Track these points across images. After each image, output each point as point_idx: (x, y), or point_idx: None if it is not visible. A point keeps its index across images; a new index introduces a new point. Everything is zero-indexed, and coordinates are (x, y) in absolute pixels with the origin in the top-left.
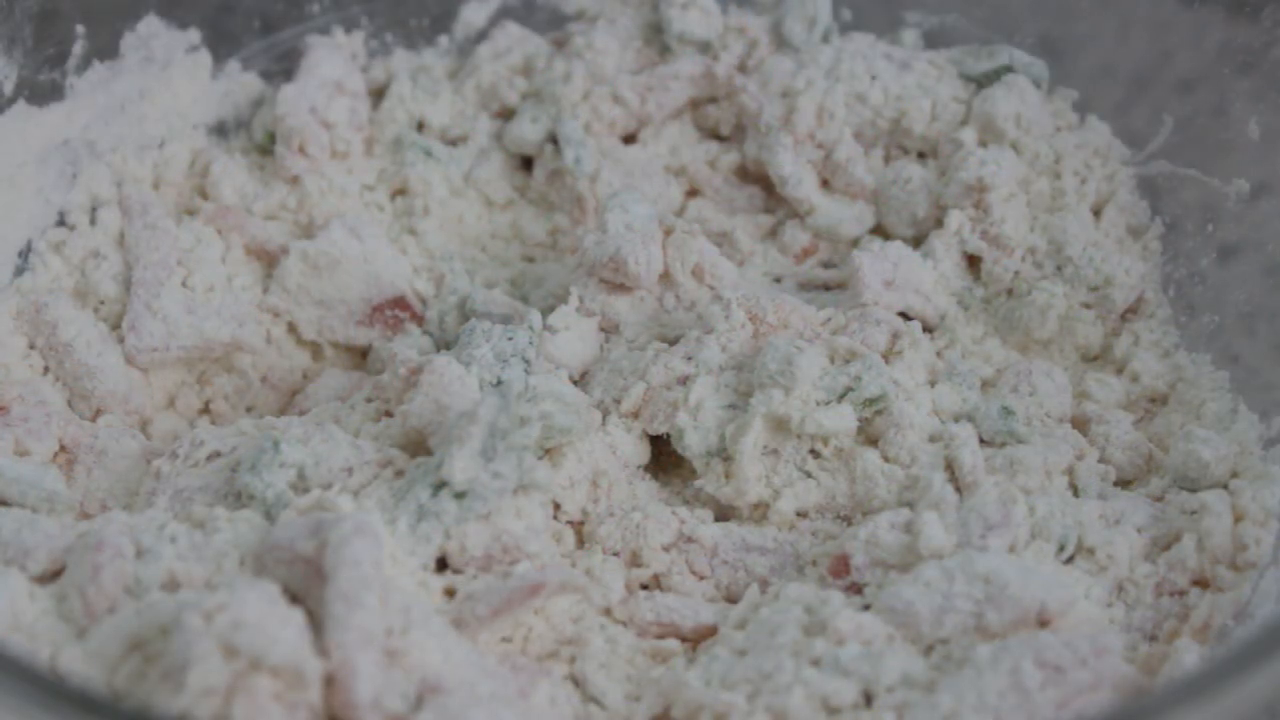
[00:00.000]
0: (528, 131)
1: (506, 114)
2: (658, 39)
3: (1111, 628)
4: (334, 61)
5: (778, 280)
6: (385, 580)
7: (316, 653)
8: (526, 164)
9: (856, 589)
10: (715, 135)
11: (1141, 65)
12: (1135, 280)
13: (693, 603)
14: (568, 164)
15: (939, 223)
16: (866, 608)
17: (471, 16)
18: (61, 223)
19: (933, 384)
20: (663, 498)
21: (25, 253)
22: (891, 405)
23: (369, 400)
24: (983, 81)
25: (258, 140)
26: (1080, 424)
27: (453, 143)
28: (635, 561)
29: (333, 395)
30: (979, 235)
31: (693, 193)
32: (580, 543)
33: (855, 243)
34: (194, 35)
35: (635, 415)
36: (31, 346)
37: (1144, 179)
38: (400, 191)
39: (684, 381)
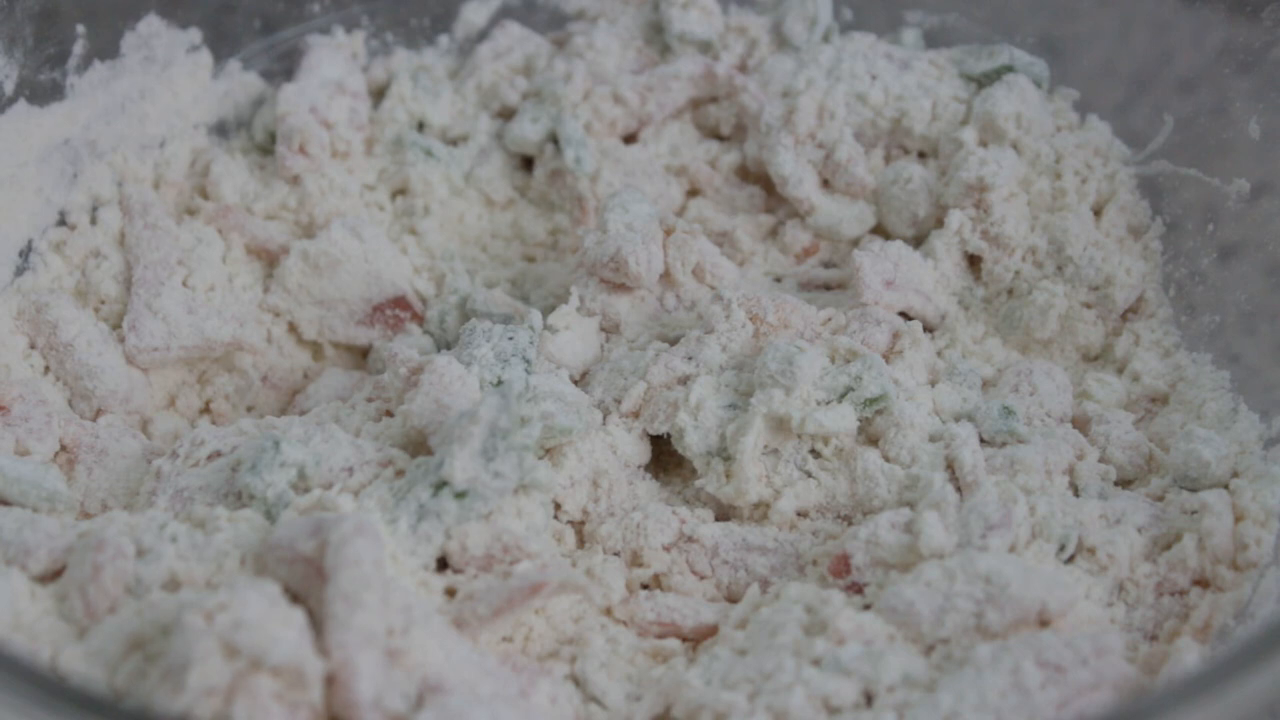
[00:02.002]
0: (528, 131)
1: (507, 114)
2: (658, 39)
3: (1112, 627)
4: (334, 61)
5: (778, 280)
6: (386, 580)
7: (317, 652)
8: (527, 164)
9: (857, 589)
10: (716, 135)
11: (1142, 65)
12: (1136, 280)
13: (693, 602)
14: (568, 164)
15: (939, 223)
16: (867, 607)
17: (472, 16)
18: (62, 222)
19: (933, 384)
20: (663, 498)
21: (26, 252)
22: (892, 405)
23: (369, 400)
24: (983, 81)
25: (258, 140)
26: (1081, 424)
27: (453, 142)
28: (636, 561)
29: (333, 395)
30: (979, 235)
31: (693, 192)
32: (581, 542)
33: (856, 243)
34: (194, 35)
35: (636, 415)
36: (32, 346)
37: (1144, 179)
38: (401, 191)
39: (684, 381)
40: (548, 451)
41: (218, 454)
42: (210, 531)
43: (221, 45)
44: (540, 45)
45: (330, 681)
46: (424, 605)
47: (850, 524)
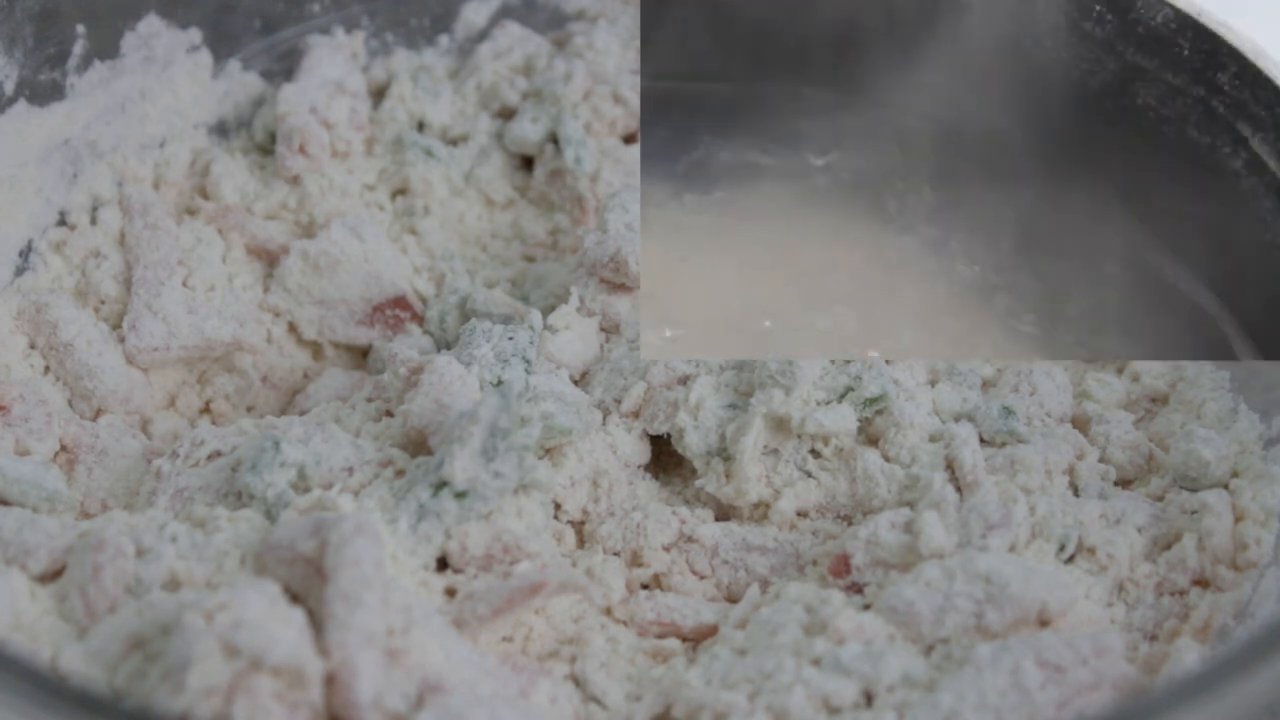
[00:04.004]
0: (528, 131)
1: (507, 114)
2: None
3: (1112, 627)
4: (334, 61)
5: None
6: (386, 580)
7: (317, 652)
8: (527, 164)
9: (857, 589)
10: None
11: None
12: None
13: (693, 602)
14: (568, 164)
15: None
16: (867, 607)
17: (472, 16)
18: (62, 222)
19: (933, 383)
20: (663, 497)
21: (26, 252)
22: (892, 405)
23: (369, 400)
24: None
25: (258, 140)
26: (1081, 424)
27: (453, 142)
28: (636, 561)
29: (333, 395)
30: None
31: None
32: (581, 542)
33: None
34: (195, 35)
35: (636, 415)
36: (32, 346)
37: None
38: (401, 191)
39: (684, 381)
40: (548, 451)
41: (218, 454)
42: (210, 531)
43: (221, 45)
44: (540, 45)
45: (330, 681)
46: (424, 605)
47: (850, 524)
